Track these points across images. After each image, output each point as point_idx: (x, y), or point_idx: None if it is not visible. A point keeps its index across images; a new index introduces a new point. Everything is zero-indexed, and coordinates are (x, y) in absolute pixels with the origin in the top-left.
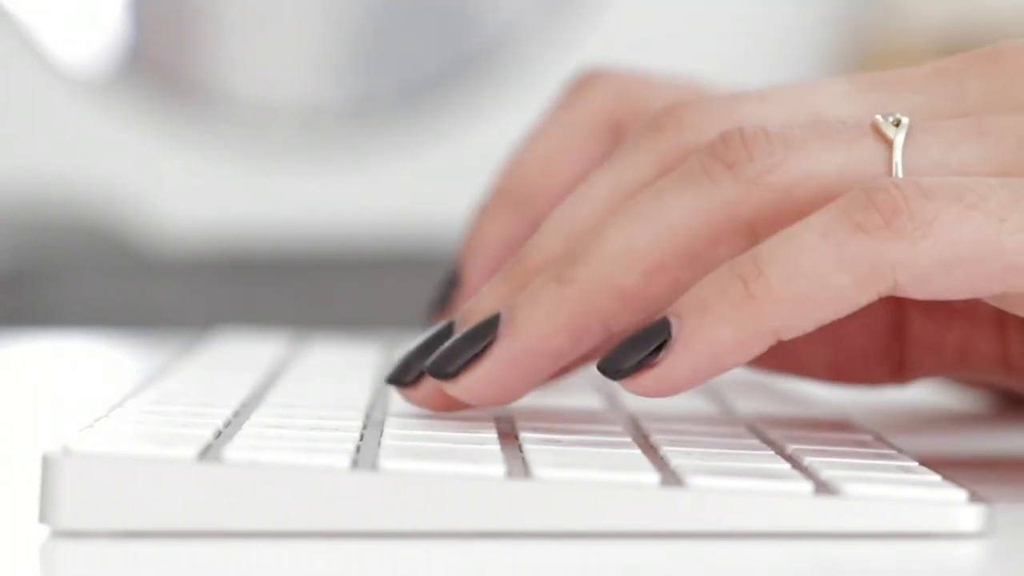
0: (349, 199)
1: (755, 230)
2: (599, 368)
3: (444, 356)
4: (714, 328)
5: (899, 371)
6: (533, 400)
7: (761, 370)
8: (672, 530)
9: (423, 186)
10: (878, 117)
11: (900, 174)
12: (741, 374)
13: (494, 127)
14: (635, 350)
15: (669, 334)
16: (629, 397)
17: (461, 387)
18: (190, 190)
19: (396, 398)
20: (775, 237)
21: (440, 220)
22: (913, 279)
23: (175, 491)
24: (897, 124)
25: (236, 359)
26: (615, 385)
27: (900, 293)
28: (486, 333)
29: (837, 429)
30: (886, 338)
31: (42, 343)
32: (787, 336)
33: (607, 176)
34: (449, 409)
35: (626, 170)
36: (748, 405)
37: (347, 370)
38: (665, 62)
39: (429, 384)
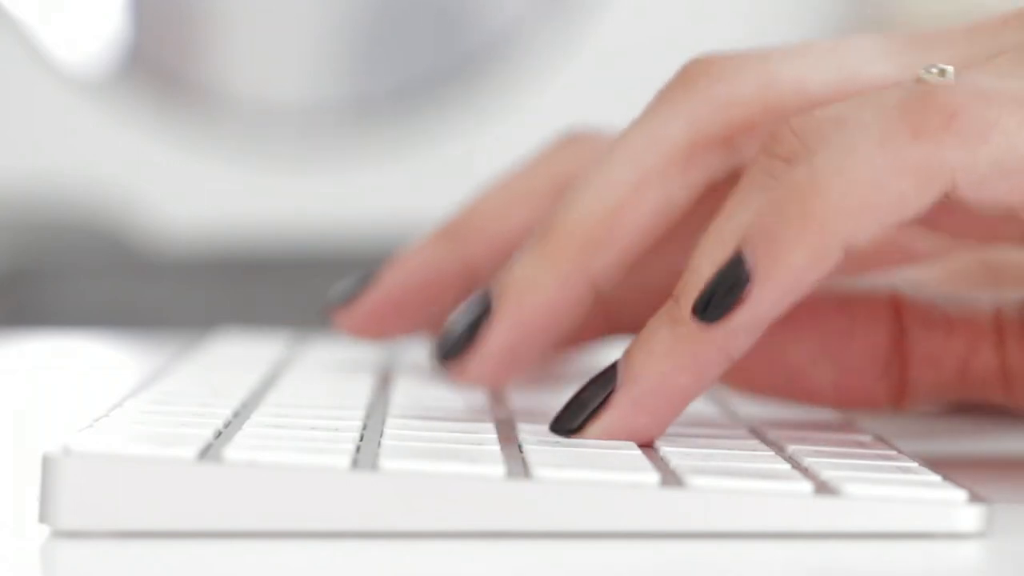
0: (349, 199)
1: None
2: (693, 315)
3: (566, 415)
4: (786, 254)
5: (900, 390)
6: (533, 400)
7: (768, 397)
8: (672, 530)
9: (423, 186)
10: (921, 71)
11: None
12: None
13: (493, 127)
14: (722, 293)
15: (747, 272)
16: None
17: (588, 435)
18: (190, 190)
19: (396, 398)
20: (831, 149)
21: (440, 220)
22: (971, 183)
23: (175, 491)
24: (942, 74)
25: (236, 359)
26: None
27: (955, 197)
28: (606, 385)
29: (837, 429)
30: (887, 353)
31: (42, 343)
32: (859, 244)
33: (639, 133)
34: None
35: (658, 126)
36: (748, 406)
37: (347, 370)
38: (665, 63)
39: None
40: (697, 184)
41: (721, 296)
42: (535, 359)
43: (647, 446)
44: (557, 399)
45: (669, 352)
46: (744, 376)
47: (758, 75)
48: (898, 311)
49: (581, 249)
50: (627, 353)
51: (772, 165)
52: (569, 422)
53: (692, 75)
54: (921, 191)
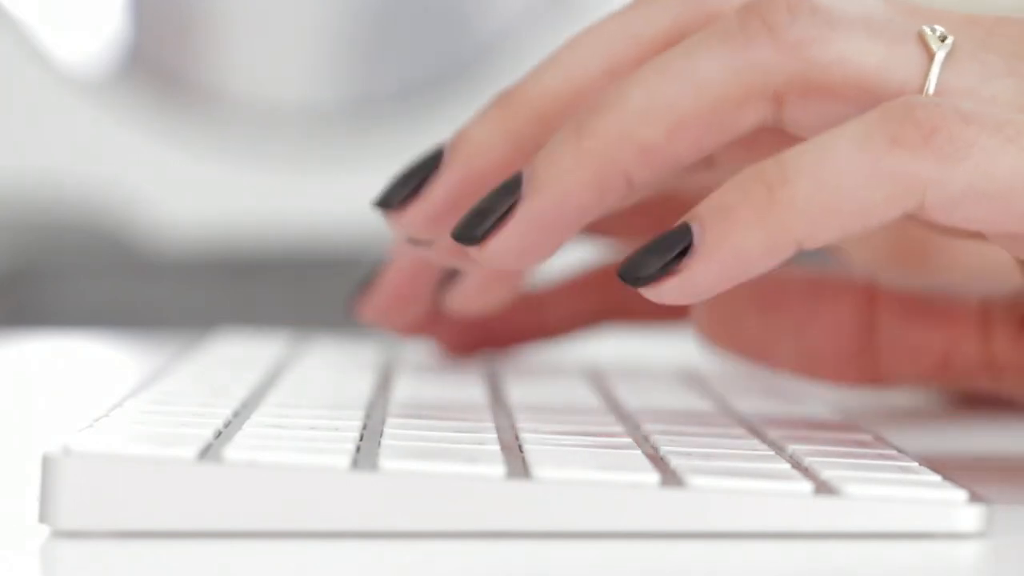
0: (349, 199)
1: (782, 100)
2: (619, 275)
3: (468, 220)
4: (737, 234)
5: (874, 374)
6: (533, 400)
7: (731, 357)
8: (672, 530)
9: None
10: (925, 28)
11: (932, 89)
12: (739, 372)
13: None
14: (657, 256)
15: (691, 240)
16: (628, 396)
17: (490, 252)
18: (190, 190)
19: (396, 398)
20: (806, 143)
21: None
22: (941, 201)
23: (175, 491)
24: (943, 40)
25: (236, 359)
26: (615, 384)
27: (923, 215)
28: (509, 194)
29: (837, 429)
30: (857, 338)
31: (42, 343)
32: (810, 246)
33: (618, 20)
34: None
35: (639, 18)
36: (748, 405)
37: (347, 370)
38: None
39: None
40: None
41: (653, 259)
42: (556, 250)
43: (518, 273)
44: (558, 397)
45: (575, 168)
46: (708, 334)
47: None
48: (871, 300)
49: (537, 120)
50: (532, 164)
51: (748, 20)
52: (472, 230)
53: None
54: (890, 203)
